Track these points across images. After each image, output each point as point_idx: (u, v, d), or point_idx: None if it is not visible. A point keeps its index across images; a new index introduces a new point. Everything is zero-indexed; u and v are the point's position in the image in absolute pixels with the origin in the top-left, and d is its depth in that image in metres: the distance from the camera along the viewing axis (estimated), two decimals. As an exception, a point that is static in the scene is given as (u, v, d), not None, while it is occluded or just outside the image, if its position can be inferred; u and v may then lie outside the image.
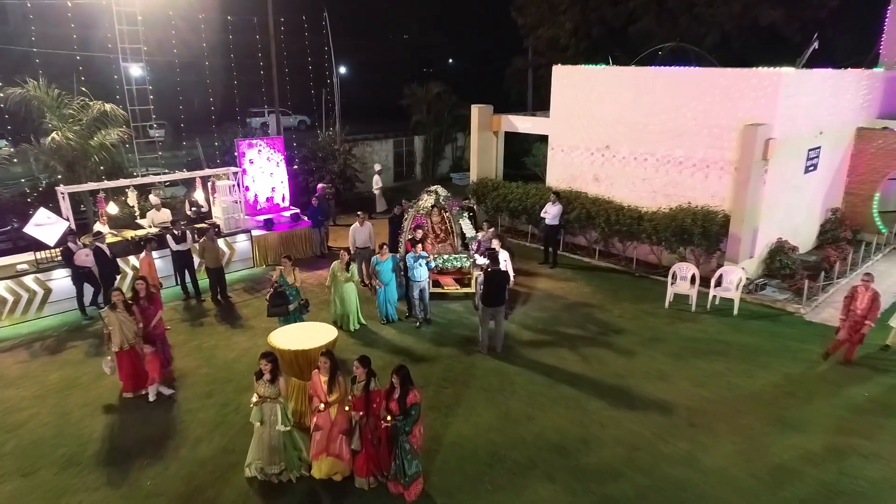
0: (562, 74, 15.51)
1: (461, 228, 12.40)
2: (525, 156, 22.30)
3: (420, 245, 10.75)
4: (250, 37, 20.13)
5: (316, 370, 6.62)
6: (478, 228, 12.66)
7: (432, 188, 12.41)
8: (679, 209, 13.00)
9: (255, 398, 6.61)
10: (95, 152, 14.87)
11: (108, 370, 8.42)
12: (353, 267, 10.66)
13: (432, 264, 10.93)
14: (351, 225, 12.91)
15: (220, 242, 13.21)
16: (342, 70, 30.19)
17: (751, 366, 9.50)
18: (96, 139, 14.93)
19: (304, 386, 7.82)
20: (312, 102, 23.56)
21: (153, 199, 13.90)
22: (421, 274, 10.52)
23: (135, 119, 16.11)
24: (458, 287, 12.12)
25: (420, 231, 11.75)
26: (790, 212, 13.72)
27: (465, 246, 12.43)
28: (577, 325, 10.94)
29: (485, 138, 17.38)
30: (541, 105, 23.83)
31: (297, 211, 15.47)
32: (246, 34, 20.25)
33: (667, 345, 10.21)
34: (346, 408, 6.45)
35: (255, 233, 14.05)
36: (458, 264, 12.07)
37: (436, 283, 12.03)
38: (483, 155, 17.49)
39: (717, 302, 11.76)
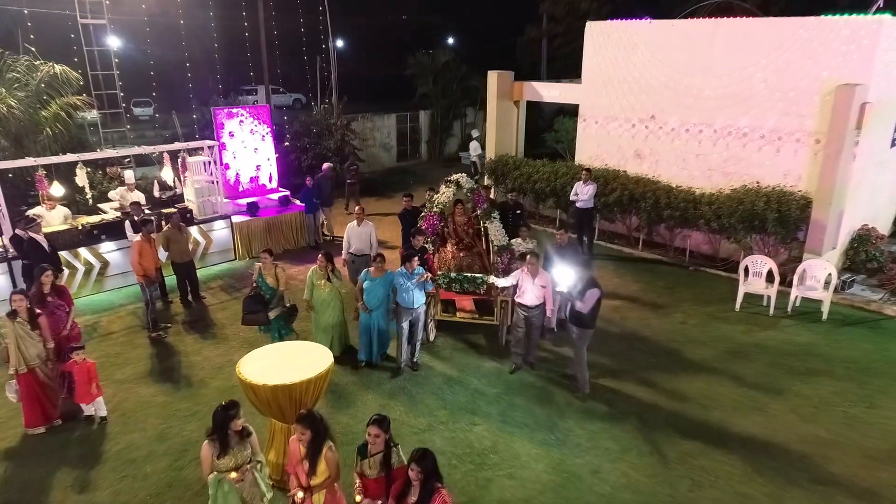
0: (597, 32, 13.19)
1: (496, 233, 8.97)
2: (543, 131, 20.01)
3: (414, 259, 7.57)
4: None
5: (294, 437, 4.47)
6: (515, 232, 9.37)
7: (453, 177, 9.26)
8: (745, 190, 10.79)
9: (232, 474, 4.44)
10: (49, 124, 12.63)
11: (12, 397, 6.42)
12: (338, 274, 7.86)
13: (430, 285, 7.84)
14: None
15: (194, 230, 11.02)
16: (339, 43, 27.66)
17: (867, 391, 7.37)
18: (51, 108, 12.70)
19: (288, 430, 5.69)
20: (307, 74, 21.25)
21: (128, 175, 11.59)
22: (413, 298, 7.49)
23: (97, 87, 13.86)
24: (477, 315, 8.77)
25: (421, 237, 8.48)
26: (873, 193, 11.51)
27: (522, 257, 8.43)
28: (633, 335, 8.80)
29: (504, 109, 15.08)
30: (555, 78, 21.53)
31: (287, 193, 13.23)
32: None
33: (750, 361, 8.07)
34: (357, 498, 4.29)
35: (237, 219, 11.82)
36: (473, 287, 8.38)
37: (448, 306, 8.90)
38: (502, 129, 15.21)
39: (797, 303, 9.61)
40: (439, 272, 8.56)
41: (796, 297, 9.53)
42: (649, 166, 12.69)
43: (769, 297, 9.52)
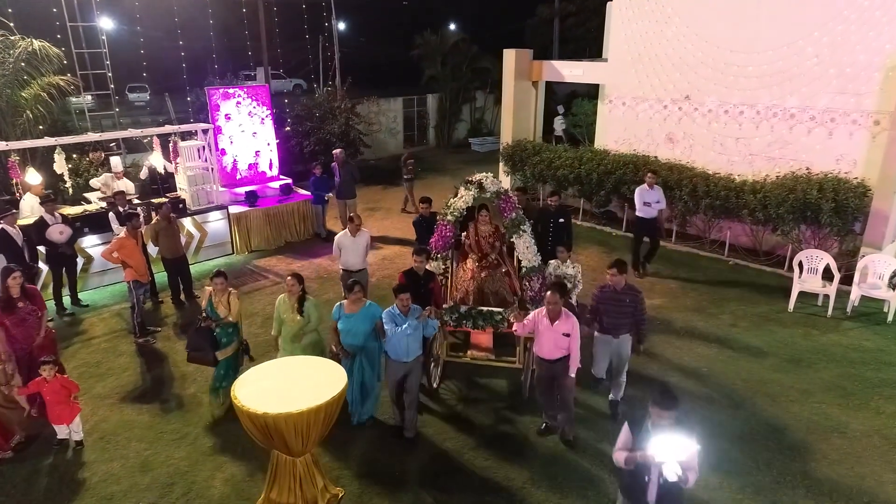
0: (625, 5, 12.11)
1: (525, 250, 7.03)
2: (556, 116, 18.95)
3: (406, 295, 5.49)
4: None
5: None
6: (567, 245, 7.58)
7: (474, 178, 7.13)
8: (795, 177, 9.78)
9: None
10: (29, 106, 11.61)
11: None
12: (314, 304, 5.94)
13: (434, 326, 5.76)
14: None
15: (187, 222, 10.06)
16: (341, 26, 26.50)
17: (957, 407, 6.42)
18: (32, 89, 11.68)
19: (294, 465, 4.75)
20: (309, 55, 20.14)
21: (114, 162, 10.56)
22: (406, 348, 5.49)
23: (83, 66, 12.78)
24: (493, 356, 6.90)
25: (422, 257, 6.40)
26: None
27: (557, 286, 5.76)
28: (680, 340, 7.83)
29: (521, 90, 14.02)
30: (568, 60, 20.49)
31: (289, 181, 12.24)
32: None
33: (816, 371, 7.11)
34: None
35: (234, 209, 10.83)
36: (490, 324, 6.61)
37: (459, 342, 7.34)
38: (519, 111, 14.15)
39: (856, 303, 8.64)
40: (445, 305, 6.58)
41: (856, 296, 8.56)
42: (682, 151, 11.69)
43: (827, 297, 8.55)
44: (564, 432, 5.75)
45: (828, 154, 9.90)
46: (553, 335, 5.36)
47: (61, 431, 5.78)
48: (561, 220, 8.18)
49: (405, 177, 13.59)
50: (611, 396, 6.25)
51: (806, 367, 7.19)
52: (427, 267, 6.55)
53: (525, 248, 6.98)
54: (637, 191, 9.61)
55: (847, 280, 8.80)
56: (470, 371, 6.97)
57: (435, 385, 6.63)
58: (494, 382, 6.83)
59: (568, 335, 5.34)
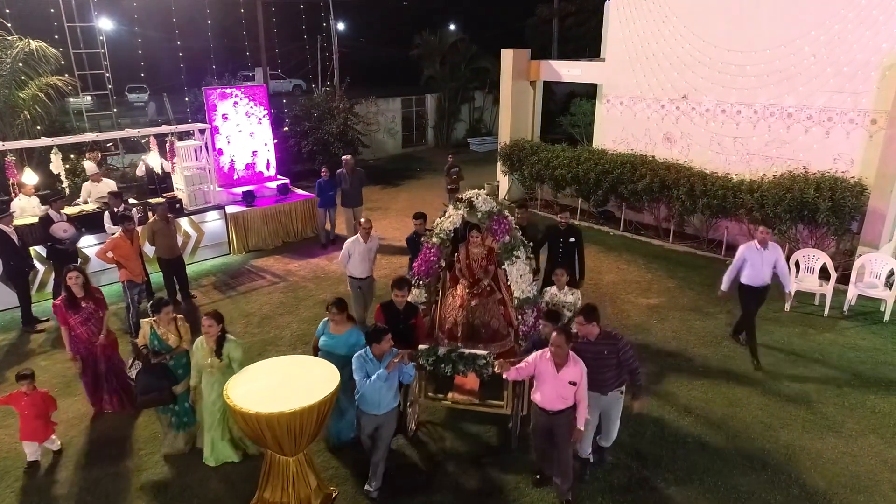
0: (623, 4, 12.10)
1: (518, 279, 6.10)
2: (555, 115, 18.97)
3: (385, 338, 4.78)
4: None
5: None
6: (580, 271, 6.83)
7: (465, 196, 6.33)
8: (792, 177, 9.77)
9: None
10: (27, 107, 11.63)
11: None
12: (231, 346, 5.12)
13: (411, 372, 5.04)
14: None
15: (184, 222, 10.06)
16: (340, 26, 26.50)
17: (953, 406, 6.41)
18: (29, 89, 11.70)
19: (288, 465, 4.75)
20: (307, 55, 20.14)
21: (88, 165, 10.26)
22: (380, 399, 4.79)
23: (81, 66, 12.80)
24: (477, 400, 5.80)
25: (403, 291, 5.59)
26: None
27: (552, 316, 5.23)
28: (676, 340, 7.83)
29: (519, 90, 14.01)
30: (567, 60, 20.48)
31: (287, 181, 12.24)
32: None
33: (812, 370, 7.11)
34: None
35: (231, 209, 10.83)
36: (473, 369, 5.42)
37: (442, 381, 5.94)
38: (517, 111, 14.14)
39: (853, 302, 8.63)
40: (422, 346, 5.55)
41: (853, 295, 8.55)
42: (680, 150, 11.68)
43: (823, 296, 8.54)
44: (561, 492, 5.00)
45: (825, 153, 9.89)
46: (557, 384, 4.61)
47: (32, 452, 5.44)
48: (571, 239, 7.26)
49: (448, 187, 12.20)
50: (599, 441, 5.37)
51: (802, 365, 7.18)
52: (409, 299, 5.80)
53: (518, 277, 6.05)
54: (743, 251, 7.16)
55: (844, 279, 8.81)
56: (452, 415, 6.19)
57: (412, 430, 5.91)
58: (483, 430, 6.01)
59: (575, 384, 4.59)
